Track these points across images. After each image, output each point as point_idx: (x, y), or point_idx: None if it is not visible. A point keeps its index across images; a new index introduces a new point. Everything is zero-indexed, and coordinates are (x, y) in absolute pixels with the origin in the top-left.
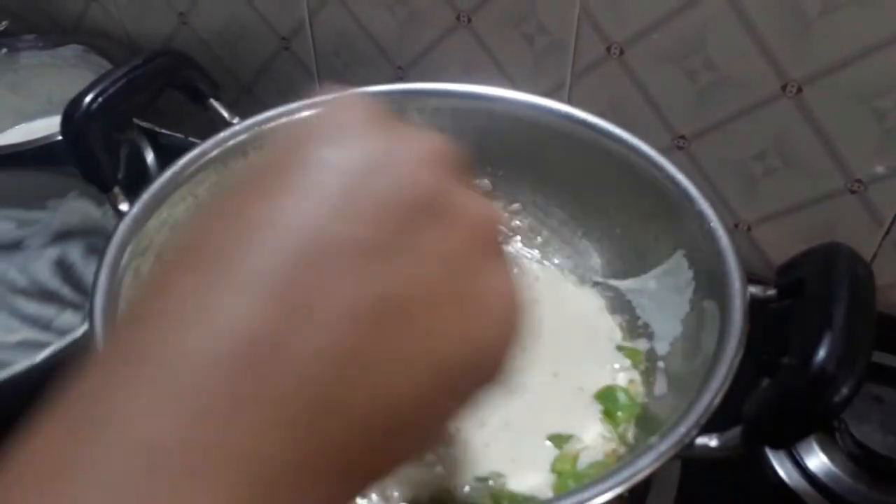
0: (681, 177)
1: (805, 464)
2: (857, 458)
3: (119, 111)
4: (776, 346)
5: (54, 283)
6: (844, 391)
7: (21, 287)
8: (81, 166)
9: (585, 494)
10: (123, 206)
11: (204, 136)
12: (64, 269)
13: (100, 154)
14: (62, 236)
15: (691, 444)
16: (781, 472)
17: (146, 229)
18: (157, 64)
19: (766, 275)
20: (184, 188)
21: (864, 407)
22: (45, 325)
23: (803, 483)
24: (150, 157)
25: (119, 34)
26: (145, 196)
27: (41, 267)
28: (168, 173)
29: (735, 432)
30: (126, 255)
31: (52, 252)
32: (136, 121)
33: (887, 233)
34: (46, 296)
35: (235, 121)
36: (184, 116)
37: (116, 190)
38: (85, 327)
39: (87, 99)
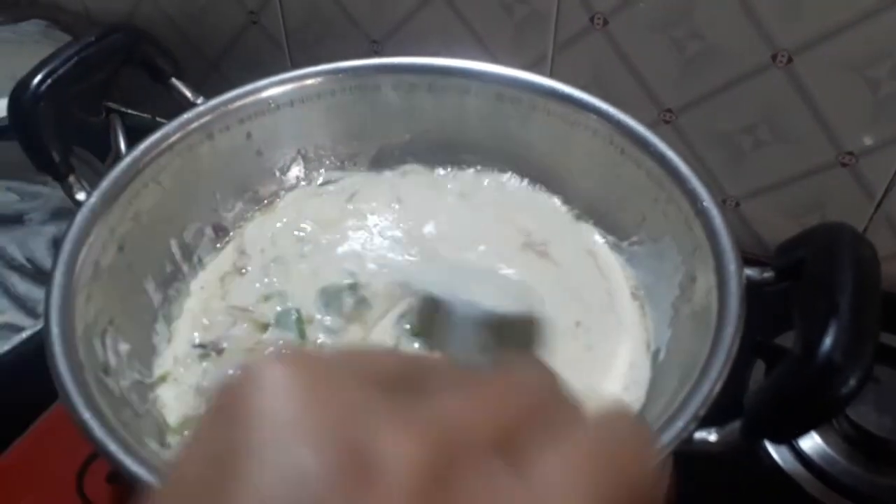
0: (671, 154)
1: (800, 446)
2: (853, 439)
3: (72, 93)
4: (774, 329)
5: (49, 262)
6: (852, 382)
7: (17, 264)
8: (31, 153)
9: None
10: (81, 196)
11: (173, 117)
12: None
13: (51, 140)
14: (61, 213)
15: (690, 439)
16: (776, 455)
17: (107, 220)
18: (112, 41)
19: (755, 251)
20: (146, 174)
21: None
22: (31, 308)
23: (798, 466)
24: (122, 141)
25: (76, 8)
26: (104, 184)
27: (39, 244)
28: (128, 159)
29: (734, 426)
30: (85, 249)
31: (50, 230)
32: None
33: (878, 206)
34: (39, 276)
35: (200, 101)
36: (154, 96)
37: (72, 178)
38: None
39: (35, 80)
